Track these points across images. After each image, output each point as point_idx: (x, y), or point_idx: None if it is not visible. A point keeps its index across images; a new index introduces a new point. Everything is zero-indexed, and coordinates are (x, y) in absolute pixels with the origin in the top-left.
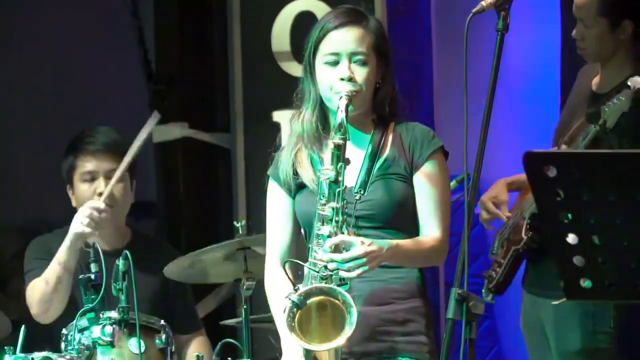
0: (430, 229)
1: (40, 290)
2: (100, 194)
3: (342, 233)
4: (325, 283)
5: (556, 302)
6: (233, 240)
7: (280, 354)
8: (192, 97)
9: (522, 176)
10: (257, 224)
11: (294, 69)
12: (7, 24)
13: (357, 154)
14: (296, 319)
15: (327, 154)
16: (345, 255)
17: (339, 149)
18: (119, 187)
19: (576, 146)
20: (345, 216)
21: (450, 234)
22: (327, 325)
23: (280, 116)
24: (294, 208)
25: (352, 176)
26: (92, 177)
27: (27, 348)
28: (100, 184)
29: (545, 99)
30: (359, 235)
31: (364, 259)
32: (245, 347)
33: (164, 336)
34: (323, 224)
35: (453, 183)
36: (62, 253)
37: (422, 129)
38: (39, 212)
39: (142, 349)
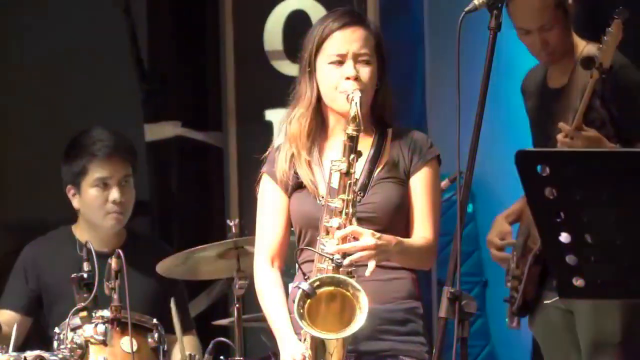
0: (423, 231)
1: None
2: (114, 202)
3: (352, 224)
4: (337, 272)
5: (548, 302)
6: (227, 241)
7: (273, 353)
8: (184, 95)
9: (517, 205)
10: (250, 222)
11: (287, 67)
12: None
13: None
14: (306, 308)
15: (326, 153)
16: (356, 244)
17: (352, 141)
18: (128, 193)
19: (575, 108)
20: (355, 208)
21: (442, 232)
22: (335, 316)
23: (273, 115)
24: (288, 207)
25: None
26: (104, 184)
27: (20, 347)
28: (114, 191)
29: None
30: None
31: (373, 251)
32: (237, 346)
33: (156, 335)
34: (332, 217)
35: (445, 182)
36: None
37: (422, 136)
38: (33, 211)
39: (135, 348)
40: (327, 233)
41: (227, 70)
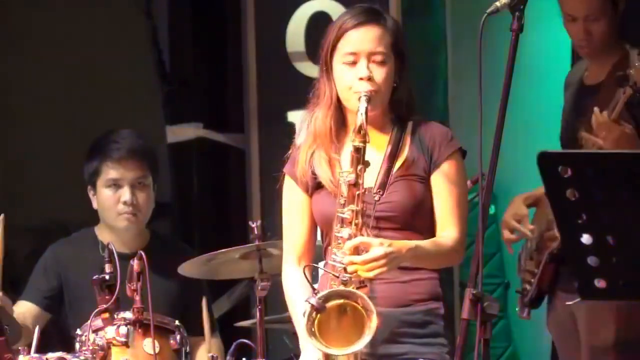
0: (448, 229)
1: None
2: (125, 203)
3: (362, 235)
4: (345, 286)
5: (570, 303)
6: (250, 245)
7: (295, 355)
8: (206, 97)
9: (537, 191)
10: (272, 224)
11: (309, 69)
12: (21, 26)
13: (376, 154)
14: (316, 323)
15: (345, 154)
16: (365, 256)
17: (359, 152)
18: (142, 195)
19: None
20: (364, 218)
21: None
22: (347, 329)
23: (295, 116)
24: (311, 206)
25: (371, 177)
26: (116, 185)
27: (41, 348)
28: (125, 192)
29: (560, 98)
30: (379, 236)
31: (384, 260)
32: (259, 348)
33: (178, 337)
34: (342, 226)
35: (468, 183)
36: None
37: (441, 129)
38: (55, 212)
39: (157, 350)
40: (338, 243)
41: (249, 72)
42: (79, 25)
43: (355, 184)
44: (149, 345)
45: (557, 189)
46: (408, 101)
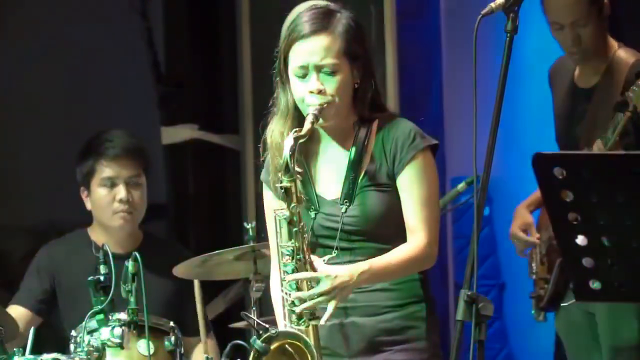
0: (414, 235)
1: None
2: (121, 201)
3: (306, 270)
4: (298, 317)
5: (565, 304)
6: (245, 246)
7: None
8: (201, 98)
9: (536, 194)
10: (266, 225)
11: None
12: (14, 25)
13: (339, 163)
14: None
15: (313, 160)
16: (311, 292)
17: (288, 192)
18: (137, 193)
19: (607, 139)
20: (308, 253)
21: (459, 235)
22: None
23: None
24: None
25: (336, 186)
26: (112, 183)
27: (36, 349)
28: (120, 190)
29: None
30: (351, 248)
31: (332, 294)
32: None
33: (173, 338)
34: (287, 261)
35: (462, 185)
36: None
37: (403, 130)
38: (49, 213)
39: (151, 351)
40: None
41: (243, 73)
42: (74, 25)
43: (290, 222)
44: (143, 346)
45: (552, 190)
46: (373, 98)
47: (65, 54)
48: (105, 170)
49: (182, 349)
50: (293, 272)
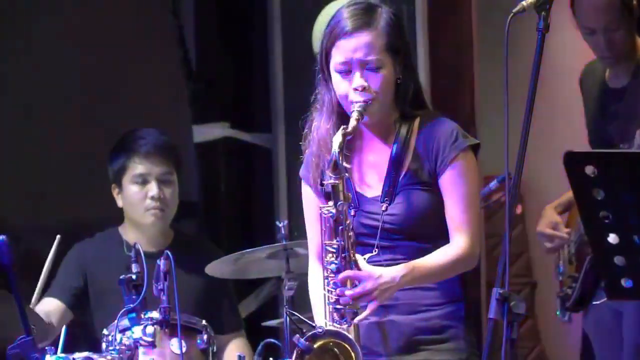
0: (456, 237)
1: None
2: (152, 198)
3: (351, 268)
4: (340, 316)
5: (596, 302)
6: (277, 245)
7: None
8: (232, 96)
9: (565, 197)
10: (299, 223)
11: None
12: (48, 24)
13: (380, 161)
14: None
15: (357, 157)
16: (355, 292)
17: (335, 189)
18: (169, 190)
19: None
20: (353, 251)
21: (491, 234)
22: None
23: None
24: None
25: (378, 185)
26: (143, 180)
27: (68, 348)
28: (152, 187)
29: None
30: (391, 246)
31: (375, 293)
32: (286, 348)
33: (205, 336)
34: (332, 258)
35: (494, 183)
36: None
37: (445, 129)
38: (79, 212)
39: (184, 350)
40: (329, 274)
41: (275, 71)
42: (105, 23)
43: (337, 220)
44: (175, 345)
45: (583, 188)
46: (415, 94)
47: (96, 52)
48: (137, 167)
49: (215, 347)
50: (338, 270)
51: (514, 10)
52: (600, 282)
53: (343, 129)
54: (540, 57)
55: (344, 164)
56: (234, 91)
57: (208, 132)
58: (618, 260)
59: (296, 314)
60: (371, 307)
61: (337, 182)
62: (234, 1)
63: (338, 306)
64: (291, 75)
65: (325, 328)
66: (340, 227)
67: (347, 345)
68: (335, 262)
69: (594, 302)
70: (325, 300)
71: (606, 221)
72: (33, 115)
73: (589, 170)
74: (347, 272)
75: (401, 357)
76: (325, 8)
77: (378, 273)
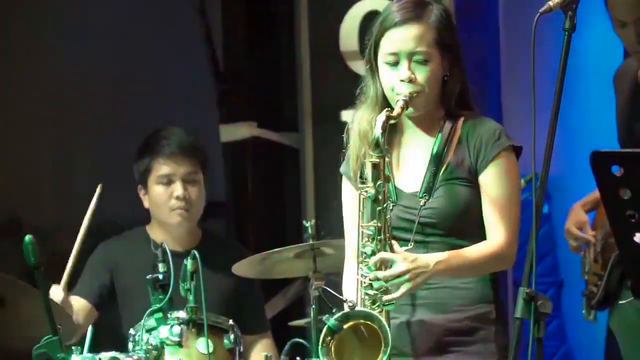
0: (494, 234)
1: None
2: (177, 198)
3: (386, 251)
4: (372, 302)
5: (623, 302)
6: (305, 244)
7: None
8: (260, 96)
9: (593, 195)
10: (326, 223)
11: (363, 68)
12: (74, 23)
13: (421, 157)
14: (332, 344)
15: (398, 151)
16: (388, 272)
17: (377, 167)
18: (194, 190)
19: None
20: (389, 234)
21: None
22: (364, 350)
23: (349, 116)
24: None
25: (417, 179)
26: (168, 180)
27: (95, 348)
28: (177, 187)
29: (613, 97)
30: (425, 242)
31: (406, 276)
32: (314, 347)
33: (232, 336)
34: (367, 242)
35: (521, 182)
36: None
37: (489, 128)
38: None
39: (211, 349)
40: (364, 259)
41: (302, 71)
42: (133, 22)
43: (375, 200)
44: (202, 344)
45: (610, 188)
46: (461, 93)
47: (124, 52)
48: (162, 167)
49: (242, 347)
50: (373, 253)
51: (540, 10)
52: (626, 281)
53: (387, 110)
54: (567, 56)
55: (386, 146)
56: (261, 90)
57: (235, 131)
58: None
59: (327, 288)
60: (403, 289)
61: (378, 160)
62: (261, 1)
63: (370, 291)
64: (318, 74)
65: (356, 304)
66: (378, 208)
67: (377, 327)
68: (371, 245)
69: (620, 302)
70: (357, 286)
71: (632, 220)
72: (61, 116)
73: (616, 169)
74: (382, 254)
75: (431, 359)
76: (353, 7)
77: (413, 257)
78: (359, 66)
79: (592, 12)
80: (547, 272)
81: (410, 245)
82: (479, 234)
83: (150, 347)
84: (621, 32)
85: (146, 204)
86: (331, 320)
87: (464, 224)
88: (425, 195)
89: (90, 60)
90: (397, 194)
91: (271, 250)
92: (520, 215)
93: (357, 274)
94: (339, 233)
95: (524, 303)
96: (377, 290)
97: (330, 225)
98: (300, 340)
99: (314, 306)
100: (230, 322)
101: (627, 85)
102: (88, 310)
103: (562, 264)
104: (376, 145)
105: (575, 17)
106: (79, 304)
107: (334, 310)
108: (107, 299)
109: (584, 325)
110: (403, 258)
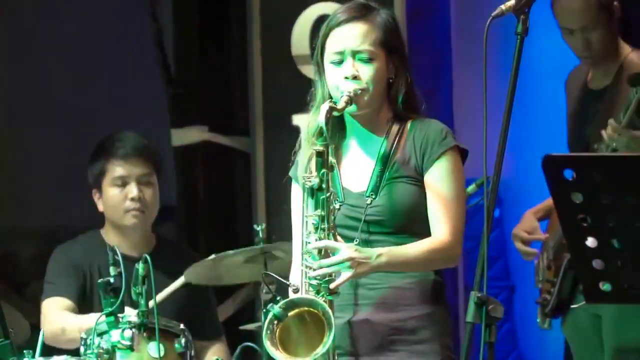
0: (437, 231)
1: (54, 332)
2: (132, 199)
3: (329, 239)
4: (316, 291)
5: (575, 306)
6: (255, 247)
7: None
8: (211, 100)
9: (546, 203)
10: (277, 227)
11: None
12: (27, 29)
13: (369, 158)
14: (277, 332)
15: (344, 153)
16: (331, 259)
17: (321, 156)
18: (149, 192)
19: (619, 118)
20: (332, 223)
21: (469, 237)
22: (309, 338)
23: (300, 120)
24: None
25: (364, 179)
26: (123, 182)
27: (46, 352)
28: (132, 188)
29: (565, 101)
30: (370, 240)
31: (349, 263)
32: (264, 351)
33: (183, 340)
34: (311, 232)
35: (472, 187)
36: (86, 324)
37: (435, 128)
38: (57, 215)
39: (162, 353)
40: (307, 248)
41: (254, 75)
42: (84, 27)
43: (319, 189)
44: (153, 348)
45: (562, 192)
46: (407, 97)
47: (74, 56)
48: (117, 169)
49: (193, 352)
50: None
51: (493, 14)
52: (578, 286)
53: (331, 101)
54: (519, 60)
55: (328, 136)
56: (212, 95)
57: (186, 135)
58: (596, 263)
59: (271, 274)
60: (344, 276)
61: (322, 149)
62: (212, 5)
63: (314, 281)
64: (270, 78)
65: (299, 288)
66: (321, 197)
67: (320, 314)
68: (315, 234)
69: (573, 306)
70: (302, 277)
71: (584, 224)
72: (16, 118)
73: (567, 173)
74: (324, 241)
75: (375, 358)
76: (304, 12)
77: (356, 247)
78: (310, 70)
79: (545, 17)
80: (499, 276)
81: (356, 242)
82: (425, 233)
83: (101, 350)
84: (569, 39)
85: (101, 208)
86: (275, 308)
87: (410, 222)
88: (371, 194)
89: (42, 63)
90: (344, 193)
91: (222, 253)
92: (465, 213)
93: (302, 265)
94: (290, 237)
95: (476, 307)
96: (321, 278)
97: (282, 229)
98: (251, 345)
99: (264, 310)
100: (182, 326)
101: (577, 89)
102: (74, 310)
103: (513, 268)
104: (320, 133)
105: (528, 21)
106: (65, 305)
107: (278, 298)
108: (83, 299)
109: (536, 329)
110: (347, 246)
